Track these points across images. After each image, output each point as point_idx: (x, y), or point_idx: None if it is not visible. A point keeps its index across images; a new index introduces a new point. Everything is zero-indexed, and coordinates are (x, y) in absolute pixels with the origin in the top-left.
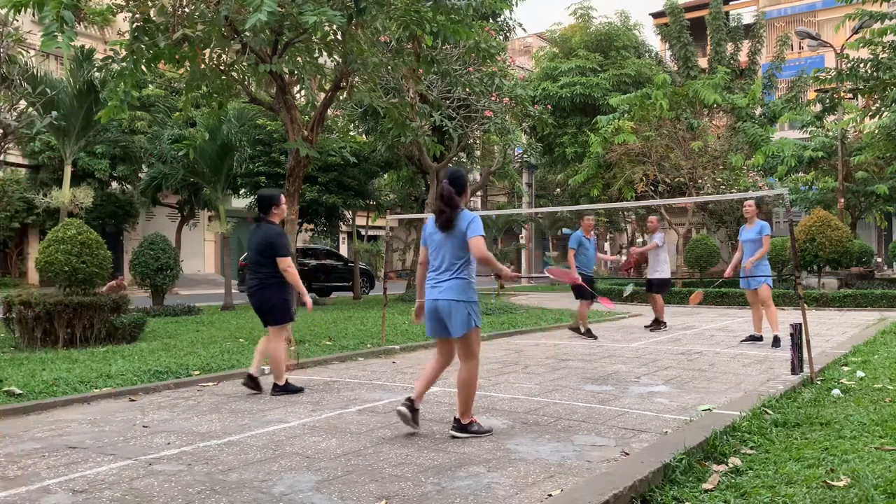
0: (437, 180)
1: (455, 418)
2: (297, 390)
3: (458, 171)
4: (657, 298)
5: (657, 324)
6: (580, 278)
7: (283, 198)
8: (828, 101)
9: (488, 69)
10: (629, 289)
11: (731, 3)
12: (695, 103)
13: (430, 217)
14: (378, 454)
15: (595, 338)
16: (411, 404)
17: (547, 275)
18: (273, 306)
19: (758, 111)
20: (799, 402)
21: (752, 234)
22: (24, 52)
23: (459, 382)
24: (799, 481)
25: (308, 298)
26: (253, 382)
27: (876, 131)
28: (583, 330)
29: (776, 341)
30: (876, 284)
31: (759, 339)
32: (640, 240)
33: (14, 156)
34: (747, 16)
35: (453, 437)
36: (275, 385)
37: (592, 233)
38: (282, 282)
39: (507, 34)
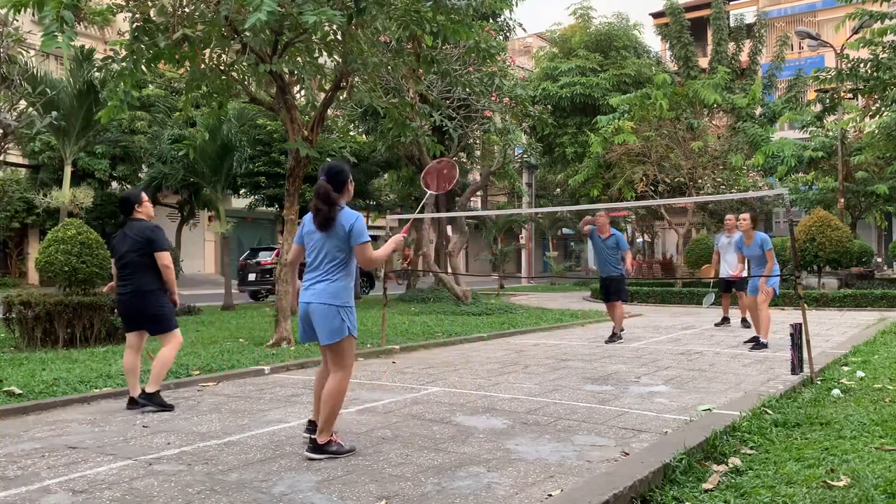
0: None
1: (311, 438)
2: (168, 407)
3: (337, 164)
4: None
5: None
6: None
7: (144, 195)
8: (828, 101)
9: (488, 69)
10: (709, 298)
11: (731, 2)
12: (695, 103)
13: (308, 214)
14: (378, 454)
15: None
16: (313, 426)
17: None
18: (156, 315)
19: (758, 111)
20: (799, 402)
21: (754, 250)
22: (24, 52)
23: (325, 394)
24: (799, 481)
25: (177, 298)
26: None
27: (876, 131)
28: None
29: (759, 344)
30: (876, 284)
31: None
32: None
33: (14, 156)
34: (748, 16)
35: (309, 458)
36: (144, 392)
37: (612, 230)
38: (161, 286)
39: (507, 34)
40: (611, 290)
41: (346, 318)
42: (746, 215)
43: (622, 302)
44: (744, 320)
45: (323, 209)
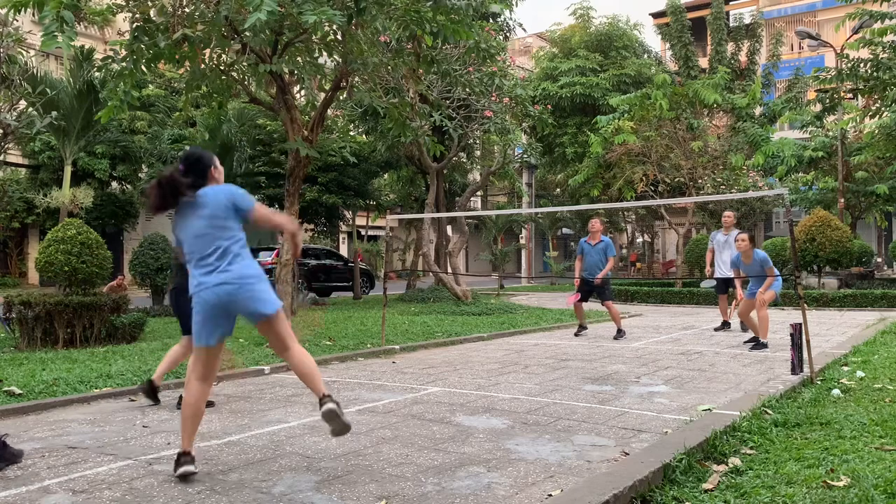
0: (437, 180)
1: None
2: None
3: (195, 151)
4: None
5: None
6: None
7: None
8: (828, 101)
9: (488, 69)
10: (709, 282)
11: (731, 2)
12: (695, 103)
13: None
14: (378, 454)
15: (583, 331)
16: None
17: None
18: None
19: (757, 111)
20: (799, 402)
21: (754, 267)
22: (24, 52)
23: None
24: (799, 481)
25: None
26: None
27: (876, 131)
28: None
29: (759, 344)
30: (876, 284)
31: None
32: (639, 240)
33: (14, 156)
34: (748, 16)
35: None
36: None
37: (602, 237)
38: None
39: (507, 34)
40: (595, 292)
41: (271, 288)
42: (745, 235)
43: (610, 300)
44: (727, 324)
45: (169, 197)
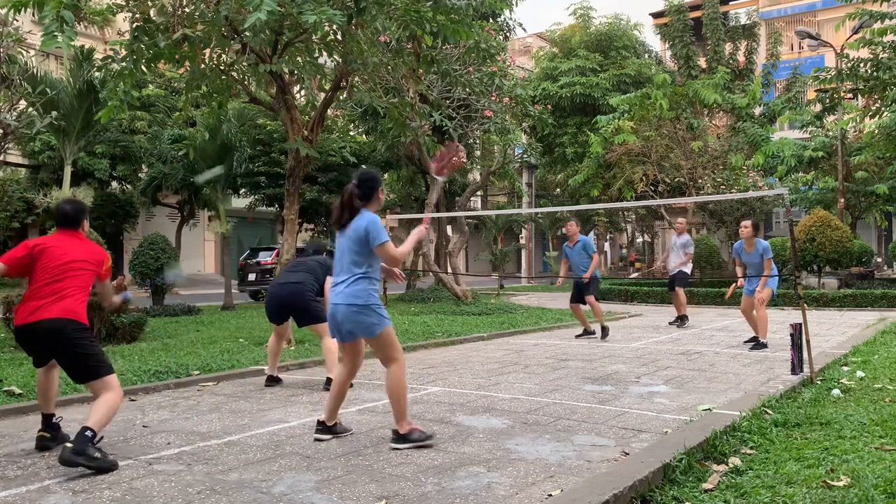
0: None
1: (394, 430)
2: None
3: (369, 171)
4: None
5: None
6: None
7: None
8: (828, 101)
9: (488, 69)
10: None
11: (731, 2)
12: (695, 103)
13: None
14: (378, 454)
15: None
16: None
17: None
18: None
19: (757, 111)
20: (799, 402)
21: (754, 257)
22: (24, 52)
23: (387, 391)
24: (799, 481)
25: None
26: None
27: (876, 131)
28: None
29: (759, 344)
30: (876, 284)
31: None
32: (639, 240)
33: (14, 156)
34: (744, 16)
35: (394, 448)
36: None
37: (581, 236)
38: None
39: (507, 34)
40: (583, 291)
41: (374, 314)
42: (748, 222)
43: (595, 299)
44: (682, 317)
45: (341, 211)
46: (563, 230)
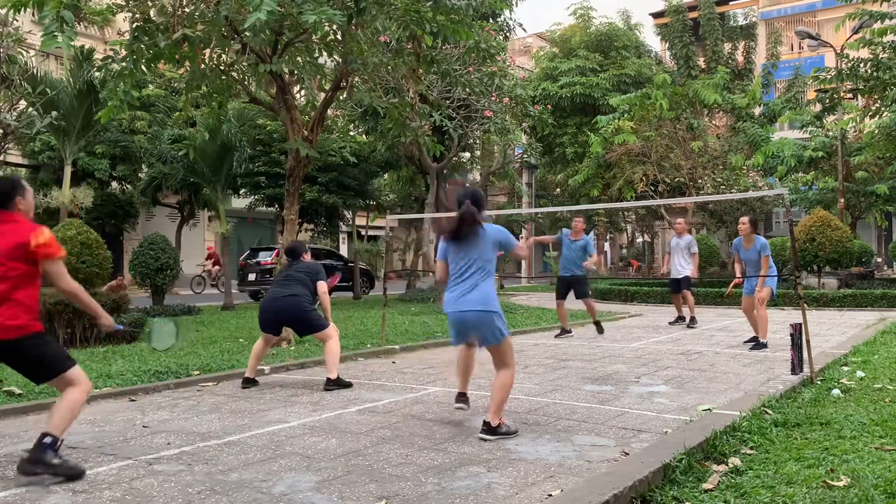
0: (437, 180)
1: (485, 420)
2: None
3: (477, 191)
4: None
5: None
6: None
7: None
8: (828, 101)
9: (488, 69)
10: None
11: (731, 2)
12: (695, 103)
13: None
14: (378, 454)
15: (569, 333)
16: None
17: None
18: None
19: (757, 111)
20: (799, 402)
21: (752, 253)
22: (24, 52)
23: (496, 386)
24: (799, 481)
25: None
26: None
27: (876, 131)
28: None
29: (759, 344)
30: (876, 284)
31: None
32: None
33: (14, 156)
34: (742, 16)
35: (483, 440)
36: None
37: (584, 235)
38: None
39: (507, 34)
40: (572, 289)
41: (501, 323)
42: (746, 218)
43: (587, 297)
44: (681, 318)
45: (469, 226)
46: (573, 224)
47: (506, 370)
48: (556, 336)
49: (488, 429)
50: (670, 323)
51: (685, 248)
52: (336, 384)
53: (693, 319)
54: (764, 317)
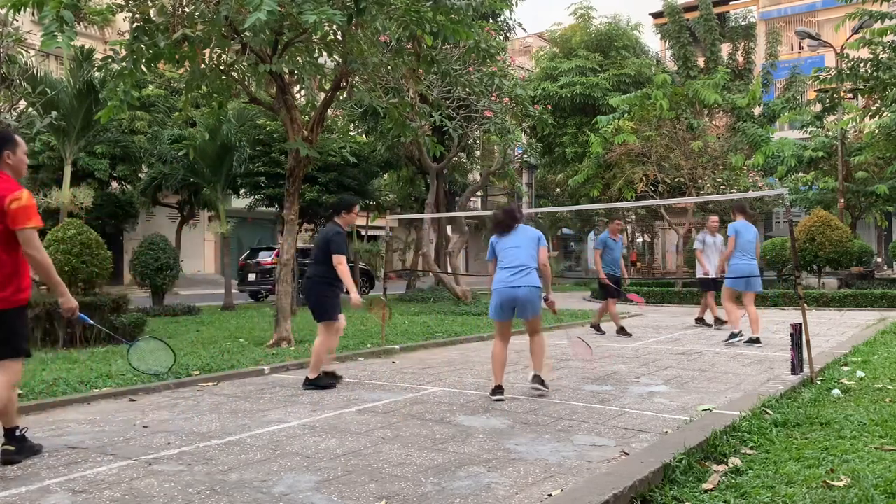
0: (437, 180)
1: (536, 376)
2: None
3: (512, 207)
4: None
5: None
6: (607, 279)
7: (355, 206)
8: (828, 101)
9: (488, 69)
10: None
11: (731, 3)
12: (695, 103)
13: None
14: (378, 454)
15: (629, 335)
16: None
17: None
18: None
19: (757, 111)
20: (799, 402)
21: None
22: (24, 52)
23: (537, 348)
24: (799, 481)
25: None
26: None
27: (876, 131)
28: (617, 328)
29: (732, 335)
30: (876, 284)
31: (757, 340)
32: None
33: None
34: (747, 16)
35: (540, 396)
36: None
37: (619, 235)
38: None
39: (507, 34)
40: (619, 287)
41: (540, 301)
42: (715, 217)
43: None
44: (717, 319)
45: (506, 223)
46: (614, 225)
47: (539, 335)
48: (617, 334)
49: (538, 380)
50: (716, 327)
51: (722, 247)
52: (313, 384)
53: (718, 320)
54: (753, 312)
